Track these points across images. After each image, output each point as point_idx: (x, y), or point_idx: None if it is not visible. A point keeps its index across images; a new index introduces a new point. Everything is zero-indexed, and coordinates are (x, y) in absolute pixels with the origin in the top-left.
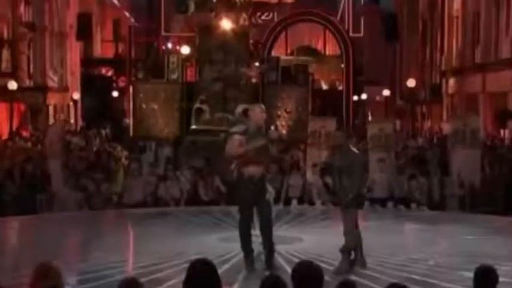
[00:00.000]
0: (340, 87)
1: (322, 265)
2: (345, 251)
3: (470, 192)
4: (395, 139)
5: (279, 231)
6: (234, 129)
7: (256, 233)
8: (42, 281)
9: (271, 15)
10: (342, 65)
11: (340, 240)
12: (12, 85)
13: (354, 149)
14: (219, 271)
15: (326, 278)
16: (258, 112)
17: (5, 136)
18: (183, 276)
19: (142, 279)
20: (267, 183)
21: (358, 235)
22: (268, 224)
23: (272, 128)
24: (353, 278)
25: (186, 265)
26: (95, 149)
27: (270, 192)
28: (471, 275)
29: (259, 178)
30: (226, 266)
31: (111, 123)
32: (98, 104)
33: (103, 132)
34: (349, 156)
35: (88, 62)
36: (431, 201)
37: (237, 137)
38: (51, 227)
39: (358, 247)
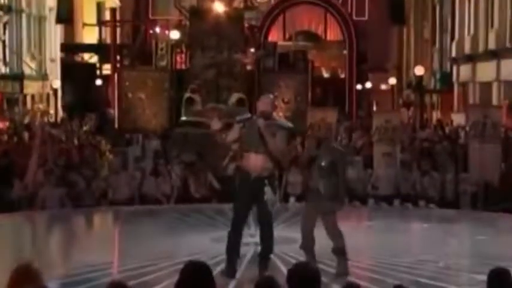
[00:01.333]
0: (343, 75)
1: (321, 266)
2: (339, 252)
3: (485, 189)
4: (402, 131)
5: (275, 231)
6: (238, 118)
7: (251, 232)
8: (21, 284)
9: None
10: (345, 51)
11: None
12: None
13: (339, 146)
14: (213, 274)
15: (325, 280)
16: (262, 102)
17: None
18: (173, 279)
19: (130, 283)
20: (267, 185)
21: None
22: (269, 227)
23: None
24: (356, 280)
25: (177, 267)
26: (76, 141)
27: (267, 193)
28: (484, 278)
29: (259, 175)
30: (220, 268)
31: (94, 114)
32: (80, 94)
33: (86, 123)
34: (332, 153)
35: (69, 47)
36: (443, 198)
37: (236, 125)
38: (31, 225)
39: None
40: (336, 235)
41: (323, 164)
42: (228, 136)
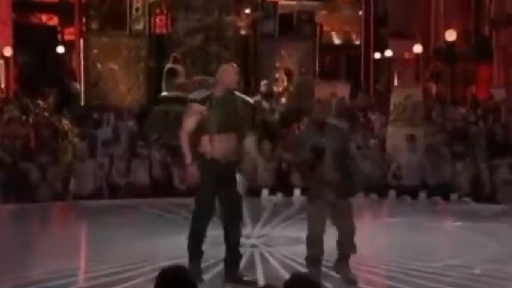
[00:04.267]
0: (357, 42)
1: (330, 272)
2: (345, 259)
3: None
4: (428, 109)
5: (276, 230)
6: (192, 95)
7: (246, 232)
8: None
9: None
10: (360, 12)
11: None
12: None
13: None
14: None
15: (330, 286)
16: (229, 72)
17: None
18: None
19: None
20: (237, 169)
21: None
22: (238, 222)
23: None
24: None
25: (157, 273)
26: (31, 120)
27: (240, 182)
28: None
29: (229, 161)
30: (207, 276)
31: (55, 88)
32: (37, 63)
33: (44, 100)
34: (341, 134)
35: (23, 6)
36: (480, 190)
37: (195, 106)
38: None
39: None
40: (351, 240)
41: (336, 148)
42: (185, 123)
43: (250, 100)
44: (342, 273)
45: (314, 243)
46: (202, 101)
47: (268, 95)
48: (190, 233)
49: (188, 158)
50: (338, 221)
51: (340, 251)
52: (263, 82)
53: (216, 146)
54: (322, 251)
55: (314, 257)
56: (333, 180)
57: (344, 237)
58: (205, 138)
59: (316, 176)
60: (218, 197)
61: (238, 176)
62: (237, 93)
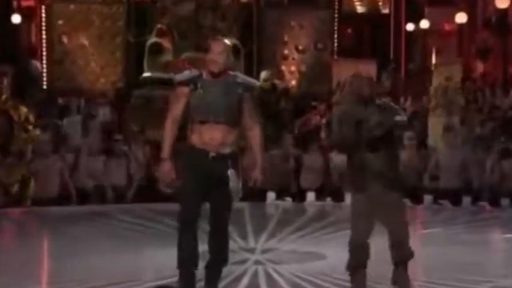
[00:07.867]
0: (386, 10)
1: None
2: (405, 266)
3: None
4: (472, 92)
5: (284, 243)
6: (177, 76)
7: (249, 245)
8: None
9: None
10: None
11: (386, 256)
12: None
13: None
14: None
15: None
16: (210, 50)
17: None
18: None
19: None
20: (231, 169)
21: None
22: (225, 228)
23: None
24: None
25: None
26: None
27: (231, 179)
28: None
29: (221, 154)
30: None
31: (10, 67)
32: None
33: None
34: (389, 114)
35: None
36: None
37: (180, 89)
38: None
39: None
40: (406, 242)
41: (383, 128)
42: (171, 107)
43: (256, 83)
44: (400, 285)
45: (356, 247)
46: (186, 83)
47: (270, 91)
48: (177, 247)
49: (165, 152)
50: (388, 220)
51: (395, 258)
52: (263, 74)
53: (199, 136)
54: (367, 256)
55: (357, 264)
56: (378, 168)
57: (398, 239)
58: (189, 127)
59: (359, 162)
60: (207, 199)
61: (230, 173)
62: (240, 76)
